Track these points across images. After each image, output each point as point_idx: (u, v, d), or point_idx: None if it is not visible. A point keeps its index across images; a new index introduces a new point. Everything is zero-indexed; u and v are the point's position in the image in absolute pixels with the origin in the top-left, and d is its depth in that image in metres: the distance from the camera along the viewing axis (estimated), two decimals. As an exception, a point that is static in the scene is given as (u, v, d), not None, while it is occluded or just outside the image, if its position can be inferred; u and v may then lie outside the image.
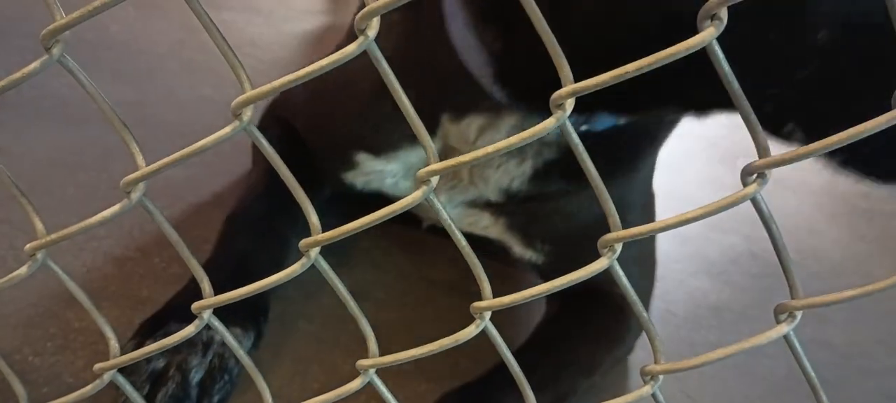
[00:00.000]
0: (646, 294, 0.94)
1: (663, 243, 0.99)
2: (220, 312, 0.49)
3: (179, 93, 1.25)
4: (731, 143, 1.57)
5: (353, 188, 0.91)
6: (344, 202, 0.89)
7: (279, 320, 0.84)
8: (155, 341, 0.69)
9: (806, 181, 1.66)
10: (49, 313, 0.77)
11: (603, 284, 0.85)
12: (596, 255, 0.41)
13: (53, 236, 0.47)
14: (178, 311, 0.74)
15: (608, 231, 0.40)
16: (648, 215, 0.92)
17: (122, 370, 0.67)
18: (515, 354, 0.47)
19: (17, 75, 0.41)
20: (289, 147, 0.94)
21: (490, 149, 0.38)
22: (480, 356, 0.72)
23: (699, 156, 0.93)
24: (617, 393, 0.47)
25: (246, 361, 0.50)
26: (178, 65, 1.35)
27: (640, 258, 0.93)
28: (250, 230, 0.85)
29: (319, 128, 0.93)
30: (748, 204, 0.38)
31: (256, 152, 1.01)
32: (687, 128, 0.80)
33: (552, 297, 0.91)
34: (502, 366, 0.80)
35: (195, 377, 0.70)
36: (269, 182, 0.91)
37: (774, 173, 0.36)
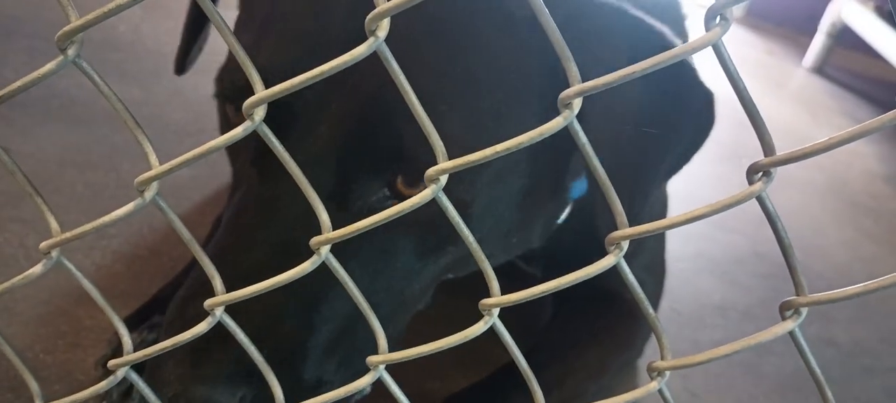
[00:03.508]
0: (655, 299, 0.94)
1: (667, 242, 1.00)
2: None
3: (185, 92, 1.26)
4: (735, 142, 1.58)
5: None
6: None
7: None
8: (139, 335, 0.71)
9: (812, 180, 1.66)
10: (60, 311, 0.78)
11: (613, 286, 0.84)
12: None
13: (68, 234, 0.47)
14: (161, 304, 0.75)
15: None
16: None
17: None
18: (523, 356, 0.47)
19: (34, 75, 0.41)
20: None
21: (500, 147, 0.38)
22: (488, 354, 0.72)
23: (703, 155, 0.93)
24: (624, 390, 0.47)
25: (257, 357, 0.51)
26: (185, 65, 1.36)
27: (651, 266, 0.92)
28: None
29: None
30: (753, 203, 0.38)
31: None
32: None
33: (561, 299, 0.90)
34: (508, 368, 0.80)
35: None
36: None
37: (781, 172, 0.37)
